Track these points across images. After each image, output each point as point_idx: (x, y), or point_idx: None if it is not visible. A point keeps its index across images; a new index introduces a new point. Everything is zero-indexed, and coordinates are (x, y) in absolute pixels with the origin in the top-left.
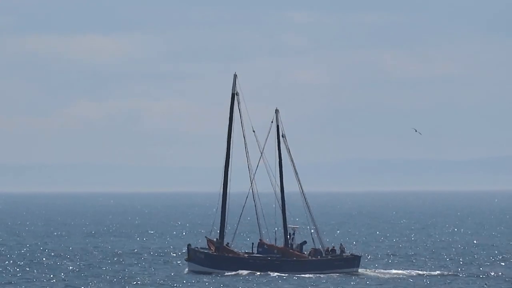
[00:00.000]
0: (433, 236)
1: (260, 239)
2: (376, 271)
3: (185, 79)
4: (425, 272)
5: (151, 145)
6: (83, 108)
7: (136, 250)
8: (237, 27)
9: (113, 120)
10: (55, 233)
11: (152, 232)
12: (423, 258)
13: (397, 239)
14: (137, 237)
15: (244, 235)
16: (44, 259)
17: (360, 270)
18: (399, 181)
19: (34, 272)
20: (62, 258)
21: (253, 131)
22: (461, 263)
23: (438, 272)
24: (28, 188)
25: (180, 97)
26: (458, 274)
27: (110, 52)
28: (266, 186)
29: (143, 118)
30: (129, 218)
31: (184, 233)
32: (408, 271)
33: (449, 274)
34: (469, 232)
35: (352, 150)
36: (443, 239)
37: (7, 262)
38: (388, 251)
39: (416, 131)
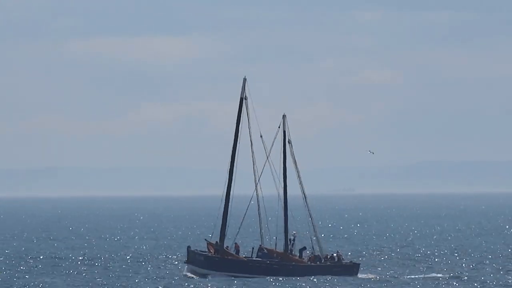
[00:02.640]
0: None
1: (260, 244)
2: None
3: (250, 80)
4: None
5: (217, 148)
6: (147, 111)
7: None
8: (301, 27)
9: (178, 122)
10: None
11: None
12: None
13: None
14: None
15: (246, 239)
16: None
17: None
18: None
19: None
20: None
21: (261, 136)
22: None
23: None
24: (94, 192)
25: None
26: None
27: (174, 54)
28: (271, 191)
29: (209, 121)
30: None
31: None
32: None
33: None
34: None
35: (423, 151)
36: None
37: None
38: None
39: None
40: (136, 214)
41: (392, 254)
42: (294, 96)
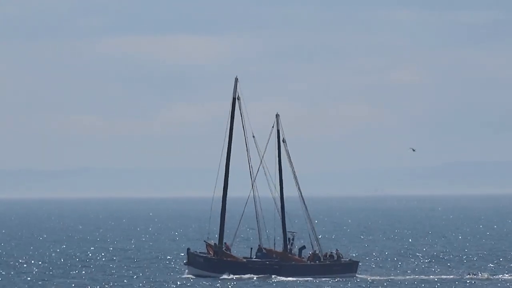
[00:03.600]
0: None
1: (259, 245)
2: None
3: (284, 80)
4: None
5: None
6: (181, 111)
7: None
8: (335, 26)
9: (212, 123)
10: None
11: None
12: None
13: None
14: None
15: (243, 240)
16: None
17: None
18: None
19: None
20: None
21: (253, 136)
22: None
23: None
24: (128, 193)
25: (279, 99)
26: None
27: (207, 53)
28: (266, 191)
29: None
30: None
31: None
32: None
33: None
34: None
35: (453, 152)
36: None
37: None
38: None
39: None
40: (150, 215)
41: (400, 254)
42: (325, 95)
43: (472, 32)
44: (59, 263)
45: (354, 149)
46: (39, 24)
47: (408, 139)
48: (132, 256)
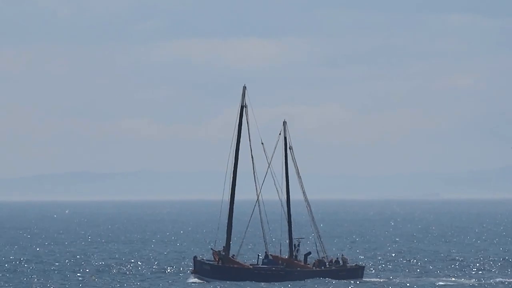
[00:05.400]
0: None
1: (265, 251)
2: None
3: (337, 84)
4: None
5: (302, 153)
6: (233, 114)
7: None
8: (389, 31)
9: (262, 127)
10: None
11: None
12: None
13: None
14: None
15: (250, 246)
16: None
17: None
18: None
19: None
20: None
21: (262, 143)
22: None
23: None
24: (182, 196)
25: (330, 102)
26: None
27: (260, 57)
28: (273, 196)
29: (294, 125)
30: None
31: None
32: None
33: None
34: None
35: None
36: None
37: None
38: None
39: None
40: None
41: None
42: (378, 99)
43: None
44: (57, 263)
45: (411, 153)
46: (95, 28)
47: (467, 143)
48: (135, 261)
